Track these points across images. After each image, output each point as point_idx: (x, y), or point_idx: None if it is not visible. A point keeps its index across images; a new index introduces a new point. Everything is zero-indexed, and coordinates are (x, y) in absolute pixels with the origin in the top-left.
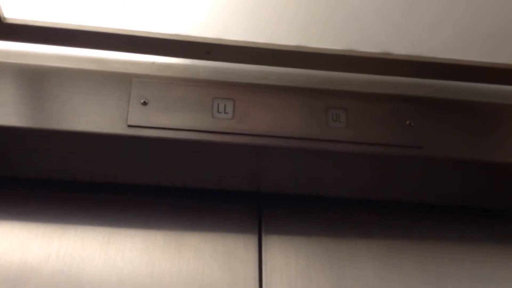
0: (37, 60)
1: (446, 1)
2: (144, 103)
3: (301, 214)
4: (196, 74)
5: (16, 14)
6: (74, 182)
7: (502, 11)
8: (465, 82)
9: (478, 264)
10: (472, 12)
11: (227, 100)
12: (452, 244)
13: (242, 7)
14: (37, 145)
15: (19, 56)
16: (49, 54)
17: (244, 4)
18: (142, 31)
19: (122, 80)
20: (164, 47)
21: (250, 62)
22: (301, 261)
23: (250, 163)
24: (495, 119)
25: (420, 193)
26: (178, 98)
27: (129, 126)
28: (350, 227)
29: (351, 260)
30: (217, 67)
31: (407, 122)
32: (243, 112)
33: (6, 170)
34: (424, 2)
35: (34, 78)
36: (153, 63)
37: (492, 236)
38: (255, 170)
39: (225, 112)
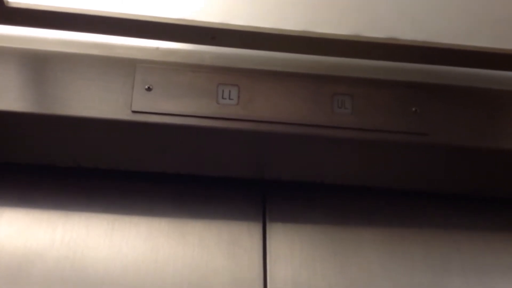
0: (41, 45)
1: None
2: (148, 89)
3: (306, 201)
4: (201, 60)
5: None
6: (78, 168)
7: None
8: (471, 69)
9: (483, 253)
10: None
11: (232, 86)
12: (457, 232)
13: None
14: (40, 130)
15: (22, 41)
16: (53, 39)
17: None
18: (146, 16)
19: (126, 66)
20: (168, 32)
21: (255, 48)
22: (305, 248)
23: (255, 150)
24: (501, 106)
25: (425, 180)
26: (182, 84)
27: (133, 112)
28: (354, 215)
29: (355, 248)
30: (222, 53)
31: (413, 109)
32: (247, 98)
33: (10, 156)
34: None
35: (38, 63)
36: (157, 49)
37: (497, 225)
38: (260, 156)
39: (229, 98)
